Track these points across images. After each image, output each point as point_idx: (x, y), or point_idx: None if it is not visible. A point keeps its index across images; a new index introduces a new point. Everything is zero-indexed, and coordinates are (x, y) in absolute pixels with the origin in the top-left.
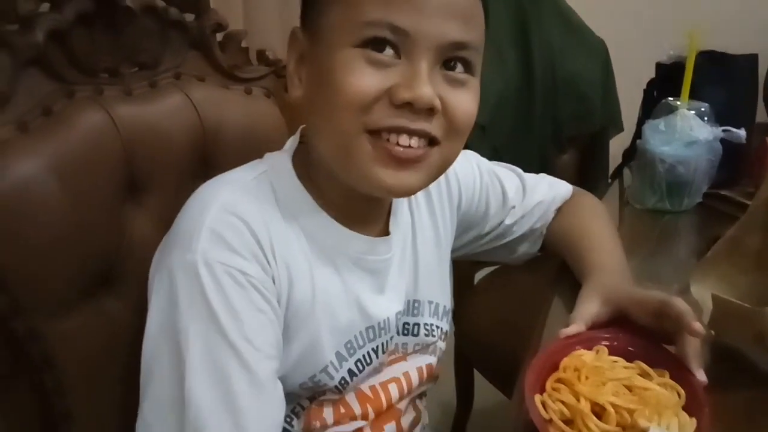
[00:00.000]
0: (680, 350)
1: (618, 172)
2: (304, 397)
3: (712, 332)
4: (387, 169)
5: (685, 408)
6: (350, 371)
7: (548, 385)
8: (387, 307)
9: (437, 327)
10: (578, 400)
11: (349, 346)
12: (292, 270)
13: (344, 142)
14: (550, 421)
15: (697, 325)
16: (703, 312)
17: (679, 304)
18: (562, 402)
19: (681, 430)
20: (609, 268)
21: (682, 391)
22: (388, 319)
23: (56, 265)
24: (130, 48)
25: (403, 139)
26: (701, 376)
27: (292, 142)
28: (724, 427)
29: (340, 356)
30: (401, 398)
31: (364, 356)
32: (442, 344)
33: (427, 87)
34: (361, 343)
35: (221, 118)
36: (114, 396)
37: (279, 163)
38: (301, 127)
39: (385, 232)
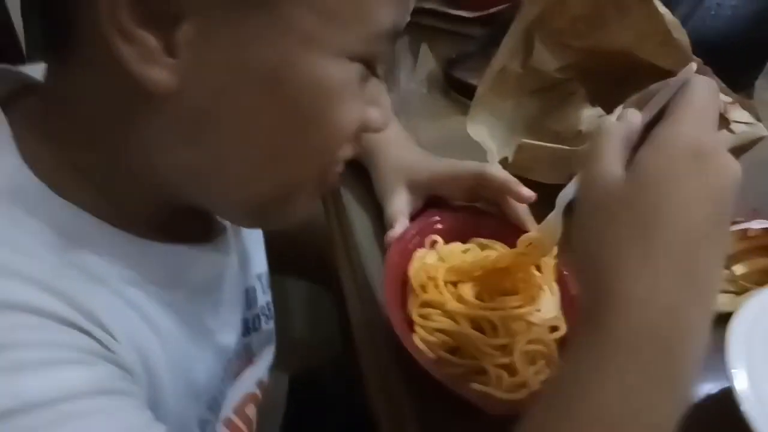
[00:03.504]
0: (510, 214)
1: None
2: None
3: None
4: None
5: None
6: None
7: (414, 314)
8: (232, 321)
9: (269, 302)
10: (455, 320)
11: (212, 403)
12: (135, 339)
13: (288, 192)
14: (439, 359)
15: (525, 190)
16: (488, 153)
17: (497, 171)
18: (440, 330)
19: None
20: (395, 140)
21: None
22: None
23: None
24: None
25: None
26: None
27: None
28: None
29: (203, 423)
30: (261, 421)
31: (218, 395)
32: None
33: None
34: (222, 388)
35: None
36: None
37: (13, 177)
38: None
39: (208, 225)
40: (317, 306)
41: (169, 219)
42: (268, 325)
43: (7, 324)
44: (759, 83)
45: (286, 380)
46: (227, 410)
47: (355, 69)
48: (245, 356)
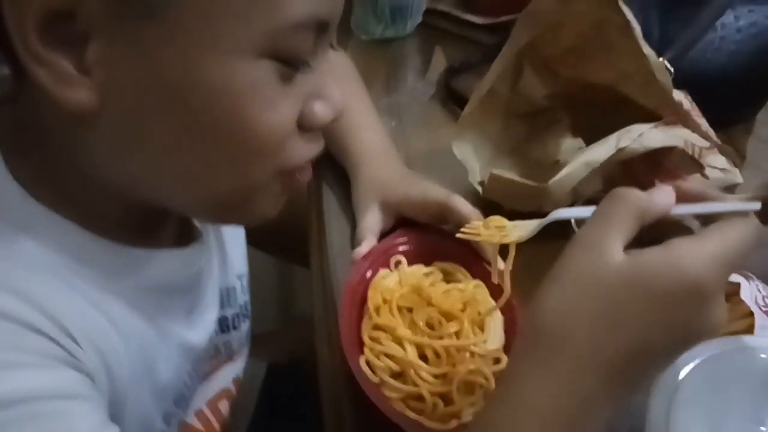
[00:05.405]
0: (474, 243)
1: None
2: None
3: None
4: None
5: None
6: (180, 421)
7: (365, 336)
8: (206, 320)
9: (247, 302)
10: (402, 346)
11: (178, 398)
12: (99, 344)
13: (245, 194)
14: (381, 382)
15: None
16: (469, 173)
17: (461, 205)
18: (387, 355)
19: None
20: (377, 154)
21: (482, 284)
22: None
23: None
24: None
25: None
26: (499, 264)
27: None
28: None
29: (169, 416)
30: (233, 414)
31: (185, 391)
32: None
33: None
34: (189, 383)
35: None
36: None
37: None
38: None
39: (186, 228)
40: None
41: (144, 223)
42: (245, 324)
43: None
44: (760, 117)
45: (264, 368)
46: (200, 403)
47: (267, 66)
48: (224, 353)
